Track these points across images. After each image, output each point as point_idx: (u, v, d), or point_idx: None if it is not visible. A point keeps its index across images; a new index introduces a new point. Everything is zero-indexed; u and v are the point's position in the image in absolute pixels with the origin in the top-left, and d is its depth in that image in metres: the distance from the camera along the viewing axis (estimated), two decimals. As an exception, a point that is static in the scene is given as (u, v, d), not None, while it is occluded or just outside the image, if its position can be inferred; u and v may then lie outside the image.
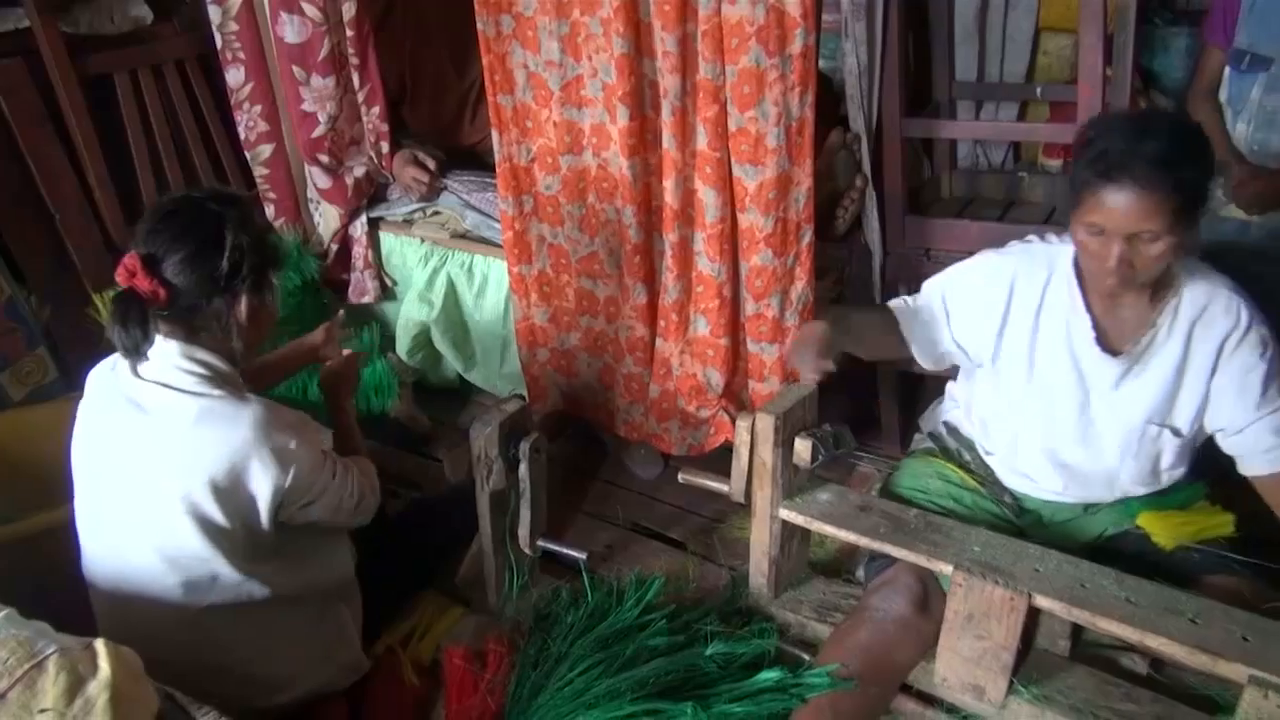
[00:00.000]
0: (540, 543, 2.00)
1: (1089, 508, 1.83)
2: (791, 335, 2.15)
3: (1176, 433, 1.67)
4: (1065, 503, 1.82)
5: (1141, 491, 1.76)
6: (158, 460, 1.45)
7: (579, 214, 2.31)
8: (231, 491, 1.45)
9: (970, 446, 1.92)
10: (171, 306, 1.44)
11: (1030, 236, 1.76)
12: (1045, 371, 1.72)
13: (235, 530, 1.48)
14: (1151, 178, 1.41)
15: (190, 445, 1.43)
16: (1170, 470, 1.74)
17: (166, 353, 1.46)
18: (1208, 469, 1.76)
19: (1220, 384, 1.62)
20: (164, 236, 1.43)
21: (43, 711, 1.11)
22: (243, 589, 1.53)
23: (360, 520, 1.70)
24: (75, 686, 1.14)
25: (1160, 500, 1.77)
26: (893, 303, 1.88)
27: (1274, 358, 1.60)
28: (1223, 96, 2.27)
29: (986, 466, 1.89)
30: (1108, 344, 1.65)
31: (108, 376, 1.54)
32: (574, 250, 2.35)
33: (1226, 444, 1.68)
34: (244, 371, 1.60)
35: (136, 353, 1.45)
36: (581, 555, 1.96)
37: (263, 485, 1.46)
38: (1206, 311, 1.59)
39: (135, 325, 1.42)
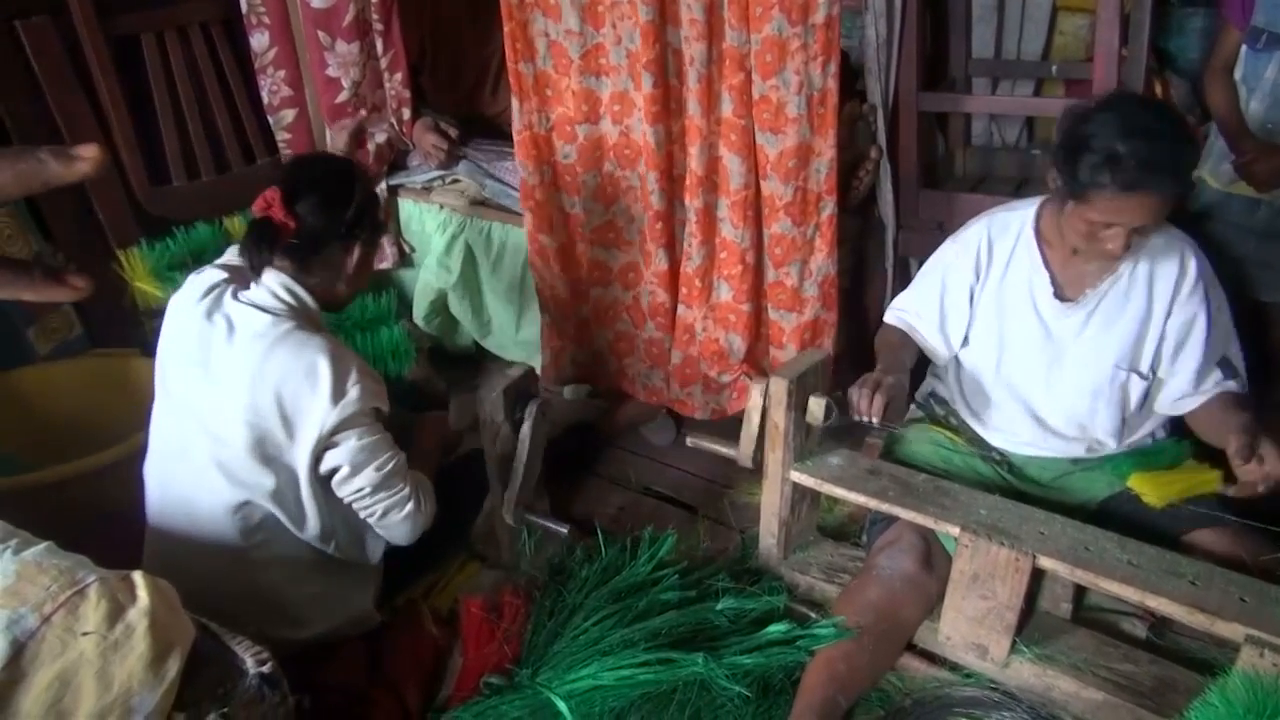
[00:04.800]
0: (524, 513, 2.01)
1: (1077, 461, 1.88)
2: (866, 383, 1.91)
3: (1143, 376, 1.78)
4: (1050, 457, 1.88)
5: (1114, 444, 1.83)
6: (233, 371, 1.55)
7: (594, 183, 2.33)
8: (288, 412, 1.54)
9: (953, 410, 1.99)
10: (298, 239, 1.58)
11: (989, 210, 1.88)
12: (1014, 327, 1.83)
13: (286, 455, 1.56)
14: (1167, 187, 1.53)
15: (263, 361, 1.54)
16: (1137, 416, 1.82)
17: (271, 281, 1.59)
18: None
19: (1173, 326, 1.74)
20: (304, 179, 1.61)
21: (85, 634, 1.15)
22: (287, 532, 1.62)
23: (396, 526, 1.68)
24: (116, 613, 1.19)
25: (1148, 460, 1.82)
26: (895, 322, 1.97)
27: (1213, 312, 1.73)
28: (1237, 75, 2.27)
29: (969, 427, 1.96)
30: (1065, 296, 1.78)
31: (202, 294, 1.62)
32: (589, 219, 2.38)
33: (1168, 386, 1.79)
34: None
35: (257, 273, 1.60)
36: (563, 529, 1.99)
37: (315, 411, 1.54)
38: (1164, 261, 1.72)
39: (266, 249, 1.57)
